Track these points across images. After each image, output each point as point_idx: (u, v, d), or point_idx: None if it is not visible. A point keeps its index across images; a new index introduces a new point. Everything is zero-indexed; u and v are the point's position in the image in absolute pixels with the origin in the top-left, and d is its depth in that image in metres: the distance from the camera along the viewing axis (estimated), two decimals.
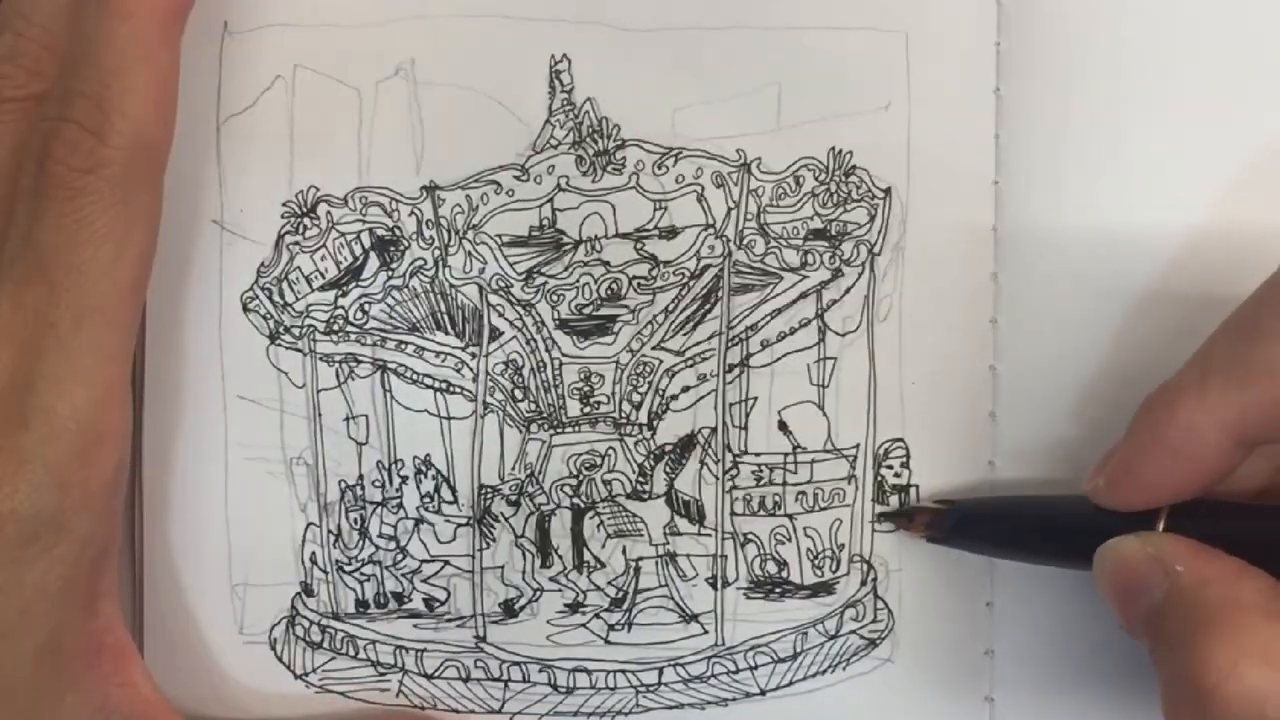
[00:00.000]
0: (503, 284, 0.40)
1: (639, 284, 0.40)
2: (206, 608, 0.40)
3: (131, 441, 0.37)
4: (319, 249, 0.40)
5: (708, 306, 0.40)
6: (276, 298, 0.40)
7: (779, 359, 0.40)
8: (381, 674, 0.40)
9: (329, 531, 0.40)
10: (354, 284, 0.40)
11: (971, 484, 0.40)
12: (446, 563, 0.40)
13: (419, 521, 0.40)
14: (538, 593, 0.40)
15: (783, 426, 0.40)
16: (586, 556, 0.40)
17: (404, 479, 0.40)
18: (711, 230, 0.40)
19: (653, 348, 0.40)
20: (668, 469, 0.40)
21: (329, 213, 0.40)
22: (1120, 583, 0.34)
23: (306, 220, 0.40)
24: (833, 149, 0.40)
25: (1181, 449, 0.33)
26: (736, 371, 0.40)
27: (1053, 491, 0.39)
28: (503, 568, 0.40)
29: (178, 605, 0.40)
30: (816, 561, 0.40)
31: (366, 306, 0.40)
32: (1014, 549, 0.39)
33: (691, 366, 0.40)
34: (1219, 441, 0.33)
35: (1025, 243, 0.40)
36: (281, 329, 0.40)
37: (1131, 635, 0.34)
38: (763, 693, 0.40)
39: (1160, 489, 0.34)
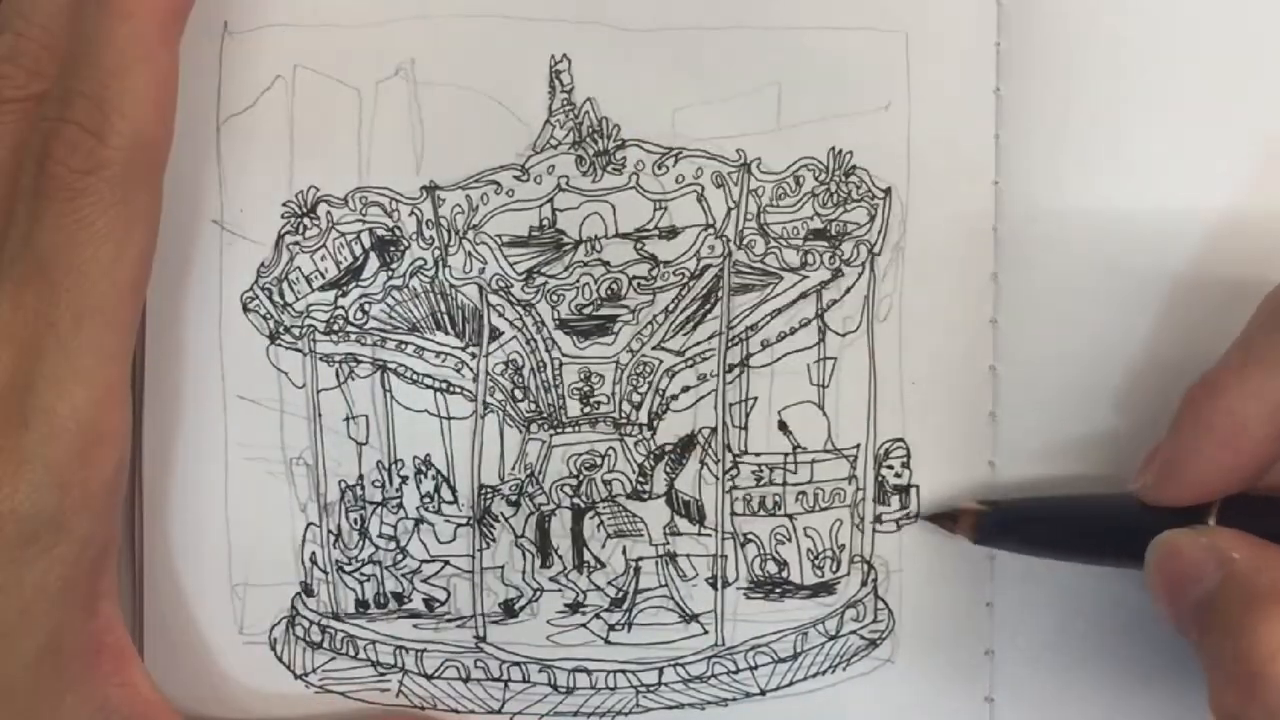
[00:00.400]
0: (503, 284, 0.40)
1: (639, 284, 0.40)
2: (206, 608, 0.40)
3: (131, 441, 0.37)
4: (319, 249, 0.40)
5: (708, 306, 0.40)
6: (276, 298, 0.40)
7: (779, 359, 0.40)
8: (381, 674, 0.40)
9: (329, 531, 0.40)
10: (354, 284, 0.40)
11: (972, 484, 0.40)
12: (446, 563, 0.40)
13: (419, 521, 0.40)
14: (538, 593, 0.40)
15: (783, 426, 0.40)
16: (586, 556, 0.40)
17: (404, 479, 0.40)
18: (711, 230, 0.40)
19: (653, 348, 0.40)
20: (668, 469, 0.40)
21: (329, 213, 0.40)
22: (1172, 574, 0.34)
23: (306, 220, 0.40)
24: (833, 149, 0.40)
25: (1226, 439, 0.34)
26: (736, 371, 0.40)
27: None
28: (503, 568, 0.40)
29: (178, 605, 0.40)
30: (817, 561, 0.40)
31: (366, 306, 0.40)
32: (1060, 549, 0.38)
33: (691, 366, 0.40)
34: (1264, 429, 0.33)
35: (1025, 243, 0.40)
36: (281, 329, 0.40)
37: (1177, 629, 0.34)
38: (763, 693, 0.40)
39: (1208, 482, 0.34)
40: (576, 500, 0.40)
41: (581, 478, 0.40)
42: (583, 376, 0.40)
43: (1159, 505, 0.35)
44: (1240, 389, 0.33)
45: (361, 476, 0.40)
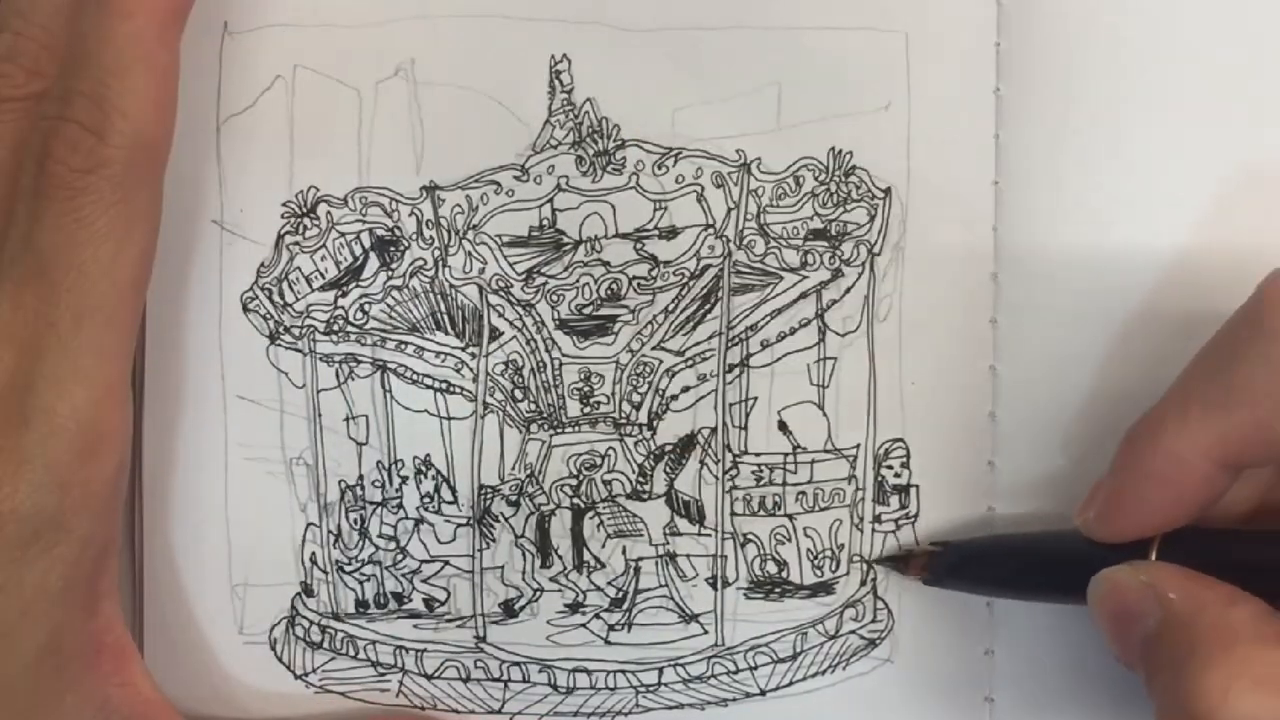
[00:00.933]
0: (503, 284, 0.40)
1: (639, 284, 0.40)
2: (206, 608, 0.40)
3: (131, 441, 0.37)
4: (319, 249, 0.40)
5: (708, 306, 0.40)
6: (276, 298, 0.40)
7: (779, 359, 0.40)
8: (381, 674, 0.40)
9: (329, 532, 0.40)
10: (354, 284, 0.40)
11: (971, 484, 0.40)
12: (446, 563, 0.40)
13: (419, 522, 0.40)
14: (538, 593, 0.40)
15: (783, 426, 0.40)
16: (586, 557, 0.40)
17: (404, 479, 0.40)
18: (711, 230, 0.40)
19: (653, 348, 0.40)
20: (668, 469, 0.40)
21: (329, 213, 0.40)
22: (1113, 612, 0.34)
23: (306, 220, 0.40)
24: (833, 149, 0.40)
25: (1167, 478, 0.34)
26: (736, 371, 0.40)
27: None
28: (503, 568, 0.40)
29: (178, 605, 0.40)
30: (816, 561, 0.40)
31: (366, 307, 0.40)
32: (1011, 588, 0.39)
33: (691, 366, 0.40)
34: (1203, 468, 0.33)
35: (1025, 243, 0.40)
36: (281, 329, 0.40)
37: (1125, 665, 0.34)
38: (763, 693, 0.40)
39: (1149, 519, 0.34)
40: (576, 500, 0.40)
41: (581, 478, 0.40)
42: (583, 376, 0.40)
43: (1101, 541, 0.35)
44: (1178, 429, 0.33)
45: (361, 477, 0.40)
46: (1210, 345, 0.34)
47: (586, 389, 0.40)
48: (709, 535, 0.40)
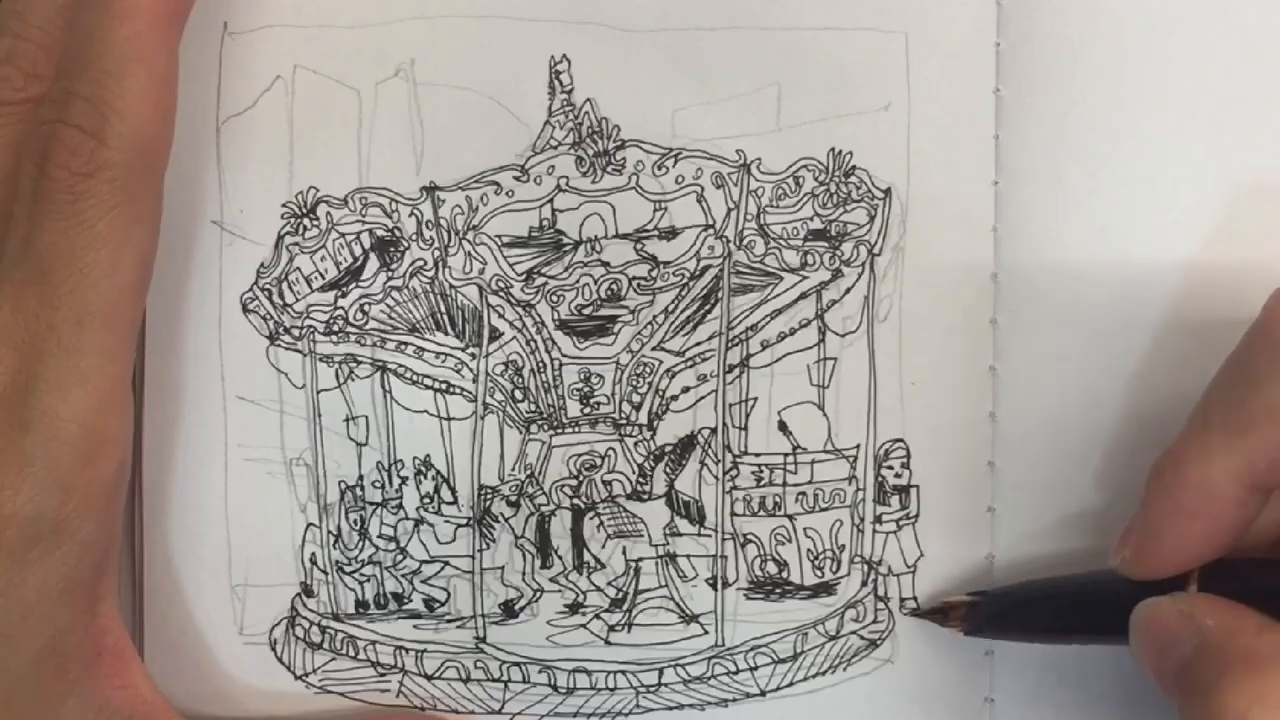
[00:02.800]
0: (503, 284, 0.40)
1: (639, 284, 0.40)
2: (206, 608, 0.40)
3: (132, 442, 0.37)
4: (319, 250, 0.40)
5: (708, 307, 0.40)
6: (276, 298, 0.40)
7: (779, 359, 0.40)
8: (382, 675, 0.40)
9: (329, 532, 0.40)
10: (354, 284, 0.40)
11: (971, 485, 0.40)
12: (446, 563, 0.40)
13: (419, 522, 0.40)
14: (538, 593, 0.40)
15: (783, 427, 0.40)
16: (586, 557, 0.40)
17: (404, 480, 0.40)
18: (711, 231, 0.40)
19: (653, 348, 0.40)
20: (668, 469, 0.40)
21: (329, 213, 0.40)
22: (1153, 640, 0.34)
23: (306, 221, 0.40)
24: (832, 149, 0.40)
25: (1196, 508, 0.33)
26: (736, 372, 0.40)
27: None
28: (503, 568, 0.40)
29: (178, 605, 0.40)
30: (817, 562, 0.40)
31: (366, 307, 0.40)
32: (1052, 633, 0.38)
33: (691, 367, 0.40)
34: (1232, 493, 0.33)
35: (1025, 243, 0.40)
36: (281, 329, 0.40)
37: (1165, 694, 0.34)
38: (763, 693, 0.40)
39: (1185, 552, 0.34)
40: (576, 501, 0.40)
41: (581, 478, 0.40)
42: (583, 377, 0.40)
43: (1139, 579, 0.35)
44: (1202, 458, 0.33)
45: (361, 477, 0.40)
46: (1223, 370, 0.34)
47: (586, 389, 0.40)
48: (709, 536, 0.40)
